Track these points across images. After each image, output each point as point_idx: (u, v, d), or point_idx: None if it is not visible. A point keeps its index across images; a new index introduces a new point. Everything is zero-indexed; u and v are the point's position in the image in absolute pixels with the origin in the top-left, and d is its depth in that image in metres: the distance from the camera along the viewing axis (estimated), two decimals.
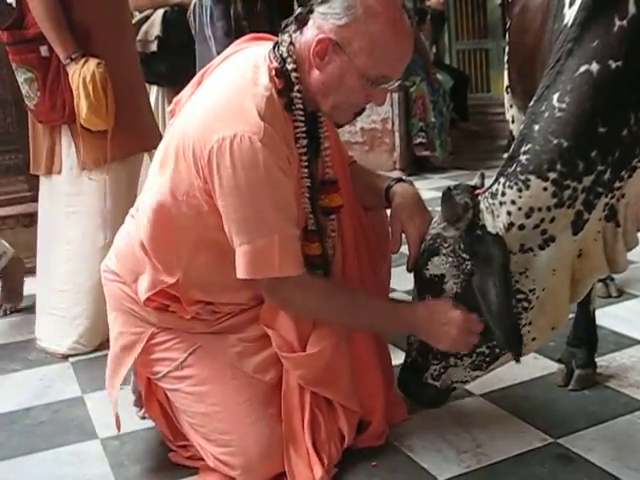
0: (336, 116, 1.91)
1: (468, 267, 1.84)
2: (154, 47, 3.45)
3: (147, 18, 3.56)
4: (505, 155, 1.92)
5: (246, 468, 1.93)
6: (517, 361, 1.91)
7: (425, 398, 2.08)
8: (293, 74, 1.82)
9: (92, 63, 2.69)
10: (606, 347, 2.52)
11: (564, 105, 1.75)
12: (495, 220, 1.80)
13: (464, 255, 1.84)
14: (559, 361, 2.39)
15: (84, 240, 2.89)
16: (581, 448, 1.99)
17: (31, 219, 3.70)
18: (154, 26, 3.50)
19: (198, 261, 1.92)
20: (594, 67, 1.73)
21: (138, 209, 2.03)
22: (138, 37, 3.51)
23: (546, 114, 1.77)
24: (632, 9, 1.74)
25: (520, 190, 1.77)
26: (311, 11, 1.81)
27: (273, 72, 1.82)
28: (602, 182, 1.77)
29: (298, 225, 1.87)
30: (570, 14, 1.83)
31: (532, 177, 1.76)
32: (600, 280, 2.99)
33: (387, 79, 1.83)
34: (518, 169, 1.78)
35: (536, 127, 1.78)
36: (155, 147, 3.04)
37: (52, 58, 2.74)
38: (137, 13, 3.68)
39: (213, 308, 2.01)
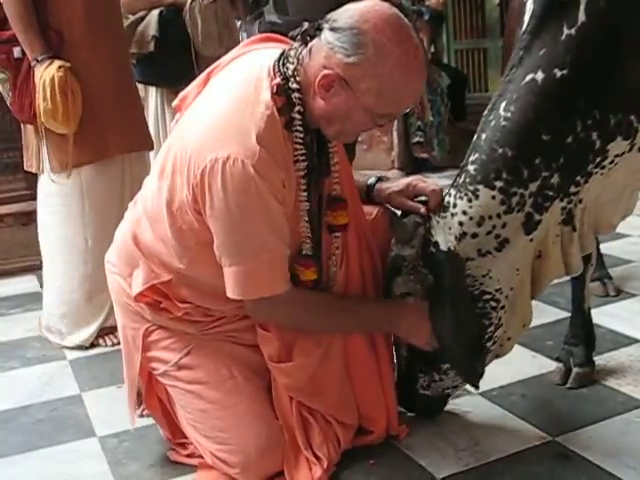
0: (340, 139, 1.90)
1: (431, 281, 1.87)
2: (151, 47, 3.42)
3: (142, 19, 3.53)
4: None
5: (244, 466, 1.93)
6: (476, 387, 1.98)
7: (419, 407, 2.12)
8: (295, 94, 1.77)
9: (54, 66, 2.69)
10: (604, 346, 2.52)
11: (509, 114, 1.78)
12: (446, 234, 1.82)
13: (424, 271, 1.87)
14: (557, 360, 2.39)
15: (66, 241, 2.91)
16: (579, 446, 2.00)
17: (29, 217, 3.69)
18: (150, 26, 3.46)
19: (192, 269, 1.91)
20: (539, 76, 1.76)
21: (136, 202, 2.03)
22: (134, 38, 3.49)
23: (492, 123, 1.80)
24: (582, 17, 1.75)
25: (470, 200, 1.80)
26: (320, 29, 1.74)
27: (275, 89, 1.77)
28: (550, 186, 1.80)
29: (291, 248, 1.85)
30: (526, 22, 1.84)
31: (480, 187, 1.79)
32: (597, 279, 3.00)
33: (394, 115, 1.82)
34: (467, 180, 1.81)
35: (483, 136, 1.81)
36: (142, 149, 3.04)
37: (25, 59, 2.77)
38: (130, 16, 3.65)
39: (205, 311, 1.99)
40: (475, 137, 1.85)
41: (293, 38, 1.82)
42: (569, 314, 2.44)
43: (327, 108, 1.76)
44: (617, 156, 1.86)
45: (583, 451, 1.97)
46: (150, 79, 3.46)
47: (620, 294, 3.04)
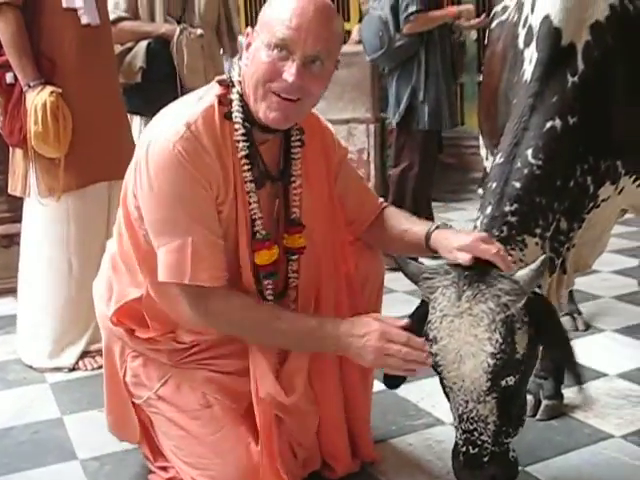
0: (266, 111, 1.79)
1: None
2: (138, 78, 3.47)
3: (130, 50, 3.59)
4: (480, 190, 1.99)
5: None
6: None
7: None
8: (237, 88, 1.85)
9: (46, 91, 2.76)
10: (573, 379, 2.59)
11: (540, 162, 1.83)
12: None
13: (527, 319, 1.73)
14: (527, 392, 2.44)
15: (51, 265, 2.95)
16: (547, 476, 2.06)
17: (11, 240, 3.72)
18: (137, 57, 3.51)
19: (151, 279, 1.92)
20: (557, 123, 1.84)
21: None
22: (122, 68, 3.54)
23: (525, 171, 1.84)
24: (581, 65, 1.84)
25: (522, 249, 1.84)
26: None
27: (220, 82, 1.87)
28: (561, 231, 1.87)
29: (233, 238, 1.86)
30: (530, 70, 1.92)
31: (526, 236, 1.84)
32: (567, 314, 3.08)
33: (284, 42, 1.74)
34: (513, 232, 1.84)
35: (517, 185, 1.84)
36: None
37: (16, 85, 2.83)
38: (118, 46, 3.70)
39: (174, 337, 2.00)
40: (502, 184, 1.84)
41: None
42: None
43: (247, 68, 1.81)
44: (603, 200, 1.94)
45: None
46: (136, 109, 3.50)
47: (589, 329, 3.12)
